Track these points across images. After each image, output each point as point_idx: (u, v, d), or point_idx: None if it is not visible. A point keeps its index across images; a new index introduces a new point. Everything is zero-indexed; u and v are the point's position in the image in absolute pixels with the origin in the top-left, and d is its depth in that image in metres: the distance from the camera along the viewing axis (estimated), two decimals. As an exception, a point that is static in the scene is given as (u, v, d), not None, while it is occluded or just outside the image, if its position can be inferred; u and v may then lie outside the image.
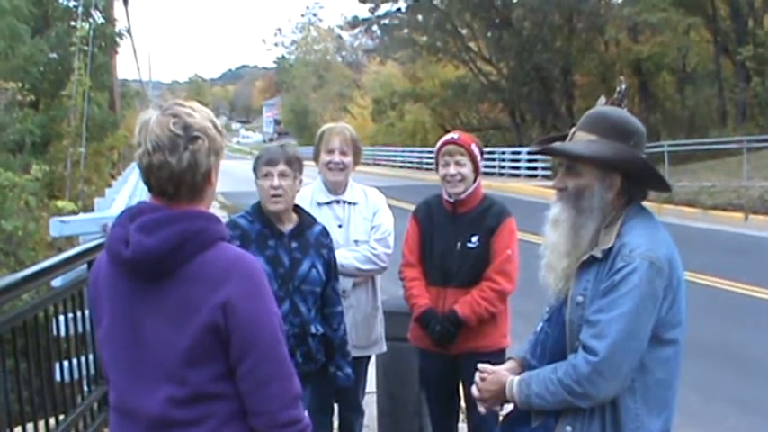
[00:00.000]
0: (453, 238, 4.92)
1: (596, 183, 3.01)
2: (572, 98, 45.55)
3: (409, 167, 48.93)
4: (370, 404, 5.80)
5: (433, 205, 5.12)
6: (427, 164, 46.41)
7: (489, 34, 49.21)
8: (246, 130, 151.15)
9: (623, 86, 3.29)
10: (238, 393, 2.55)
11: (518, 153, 37.55)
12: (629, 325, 2.85)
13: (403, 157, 51.95)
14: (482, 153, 5.06)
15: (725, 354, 8.84)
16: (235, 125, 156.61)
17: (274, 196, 4.33)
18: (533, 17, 43.85)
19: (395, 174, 44.65)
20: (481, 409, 3.31)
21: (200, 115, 2.56)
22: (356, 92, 75.10)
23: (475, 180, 4.97)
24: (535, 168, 35.32)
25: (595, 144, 3.02)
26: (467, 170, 4.92)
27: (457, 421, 5.31)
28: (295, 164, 4.39)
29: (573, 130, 3.15)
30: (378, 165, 52.36)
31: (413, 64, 55.89)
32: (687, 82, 43.10)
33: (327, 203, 5.18)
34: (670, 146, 29.10)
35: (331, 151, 5.13)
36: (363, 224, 5.16)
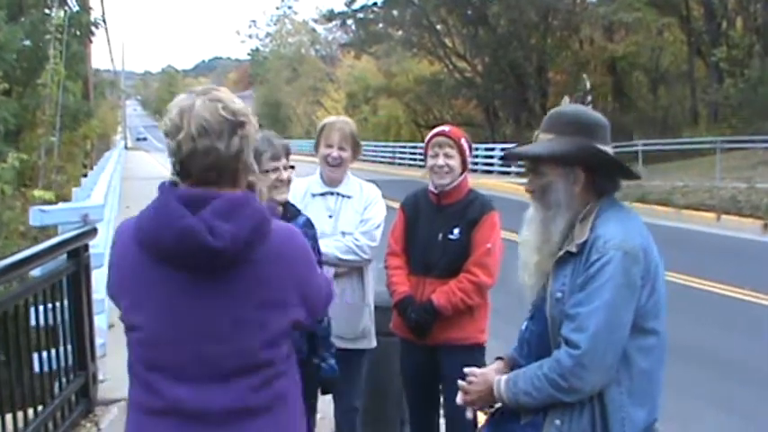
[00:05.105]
0: (436, 229, 4.97)
1: (560, 179, 3.07)
2: (546, 95, 45.79)
3: (381, 162, 48.79)
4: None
5: (420, 197, 5.19)
6: (400, 159, 46.43)
7: (465, 30, 49.43)
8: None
9: (587, 84, 3.34)
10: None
11: (492, 150, 37.51)
12: (609, 316, 2.87)
13: (375, 151, 51.87)
14: (471, 148, 5.12)
15: (696, 351, 8.92)
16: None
17: (282, 187, 4.37)
18: (509, 14, 44.04)
19: (367, 168, 44.58)
20: (468, 414, 3.32)
21: (240, 101, 2.54)
22: (330, 85, 75.08)
23: (462, 173, 5.02)
24: (509, 165, 35.27)
25: (551, 142, 3.09)
26: (454, 162, 4.98)
27: (437, 415, 5.31)
28: (289, 154, 4.46)
29: (536, 132, 3.21)
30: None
31: (388, 59, 55.92)
32: (660, 82, 43.46)
33: (321, 194, 5.24)
34: (644, 145, 29.31)
35: (329, 146, 5.19)
36: (354, 217, 5.19)
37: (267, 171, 4.30)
